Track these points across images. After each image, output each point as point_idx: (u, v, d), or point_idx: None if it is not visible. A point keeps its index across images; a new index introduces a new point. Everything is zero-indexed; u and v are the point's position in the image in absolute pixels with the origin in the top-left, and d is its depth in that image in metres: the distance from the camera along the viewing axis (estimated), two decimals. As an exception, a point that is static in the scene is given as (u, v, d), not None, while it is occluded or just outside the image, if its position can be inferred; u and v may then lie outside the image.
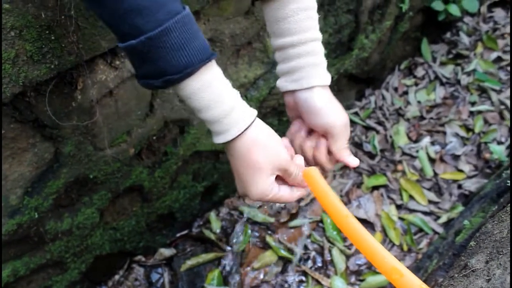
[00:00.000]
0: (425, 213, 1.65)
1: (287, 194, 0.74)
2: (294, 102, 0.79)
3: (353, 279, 1.49)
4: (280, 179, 0.74)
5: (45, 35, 0.78)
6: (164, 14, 0.58)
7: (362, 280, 1.48)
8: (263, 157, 0.69)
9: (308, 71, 0.76)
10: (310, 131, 0.83)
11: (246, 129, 0.68)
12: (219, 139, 0.69)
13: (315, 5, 0.76)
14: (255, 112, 0.71)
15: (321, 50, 0.77)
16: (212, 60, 0.64)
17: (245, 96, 1.38)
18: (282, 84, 0.79)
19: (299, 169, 0.74)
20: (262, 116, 1.52)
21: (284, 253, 1.53)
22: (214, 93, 0.65)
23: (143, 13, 0.58)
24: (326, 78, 0.77)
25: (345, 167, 1.80)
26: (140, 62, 0.63)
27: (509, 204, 0.79)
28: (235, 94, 0.69)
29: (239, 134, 0.68)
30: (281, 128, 1.61)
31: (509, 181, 1.11)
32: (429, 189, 1.72)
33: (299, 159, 0.76)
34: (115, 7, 0.58)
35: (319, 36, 0.77)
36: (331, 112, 0.77)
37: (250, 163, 0.69)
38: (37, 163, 0.98)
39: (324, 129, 0.78)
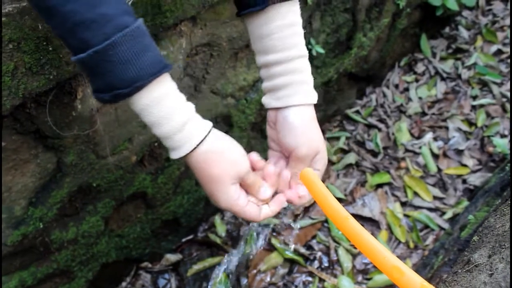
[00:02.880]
0: (430, 209, 1.65)
1: (254, 210, 0.73)
2: (275, 120, 0.78)
3: (360, 278, 1.49)
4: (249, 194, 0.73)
5: (42, 46, 0.79)
6: (112, 28, 0.58)
7: (369, 279, 1.48)
8: (220, 168, 0.68)
9: (293, 89, 0.74)
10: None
11: (199, 144, 0.67)
12: (173, 155, 0.69)
13: (300, 21, 0.74)
14: (209, 125, 0.70)
15: (307, 67, 0.75)
16: (163, 74, 0.63)
17: (245, 99, 1.38)
18: (267, 101, 0.78)
19: (259, 180, 0.73)
20: (263, 118, 1.52)
21: (290, 254, 1.52)
22: (164, 110, 0.64)
23: (91, 27, 0.58)
24: (311, 96, 0.75)
25: (349, 165, 1.80)
26: (91, 76, 0.63)
27: (511, 198, 0.79)
28: (188, 109, 0.68)
29: (193, 150, 0.67)
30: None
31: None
32: (433, 185, 1.72)
33: (269, 168, 0.75)
34: (64, 20, 0.58)
35: (305, 53, 0.75)
36: (301, 133, 0.74)
37: (208, 176, 0.69)
38: (40, 173, 0.98)
39: (289, 149, 0.76)
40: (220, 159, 0.68)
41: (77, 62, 0.61)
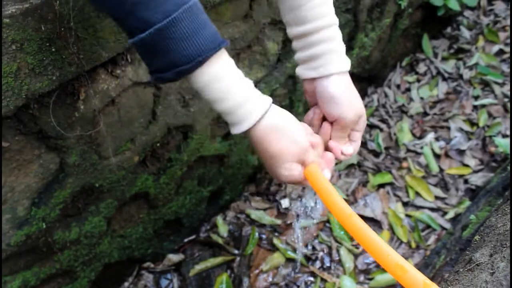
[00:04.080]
0: (432, 209, 1.65)
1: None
2: (313, 89, 0.79)
3: (362, 278, 1.49)
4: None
5: (45, 47, 0.79)
6: (171, 5, 0.59)
7: (371, 279, 1.48)
8: (280, 146, 0.69)
9: (326, 58, 0.75)
10: (324, 118, 0.82)
11: (261, 118, 0.68)
12: (235, 129, 0.70)
13: None
14: (269, 99, 0.71)
15: (338, 35, 0.77)
16: (222, 49, 0.64)
17: (247, 100, 1.38)
18: (302, 72, 0.79)
19: (318, 161, 0.74)
20: (265, 118, 1.52)
21: (292, 254, 1.53)
22: (226, 84, 0.65)
23: (150, 6, 0.58)
24: (345, 64, 0.76)
25: (351, 166, 1.80)
26: (151, 56, 0.63)
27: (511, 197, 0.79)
28: (249, 83, 0.69)
29: (255, 124, 0.68)
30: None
31: (514, 174, 1.11)
32: (435, 185, 1.72)
33: (330, 156, 0.77)
34: (122, 2, 0.58)
35: (336, 21, 0.76)
36: (344, 102, 0.76)
37: (269, 152, 0.70)
38: (43, 174, 0.99)
39: (333, 117, 0.77)
40: (281, 136, 0.69)
41: (136, 42, 0.61)
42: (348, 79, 0.78)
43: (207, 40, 0.61)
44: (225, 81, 0.65)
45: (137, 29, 0.60)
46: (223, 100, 0.66)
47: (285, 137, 0.70)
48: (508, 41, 2.14)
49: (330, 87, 0.76)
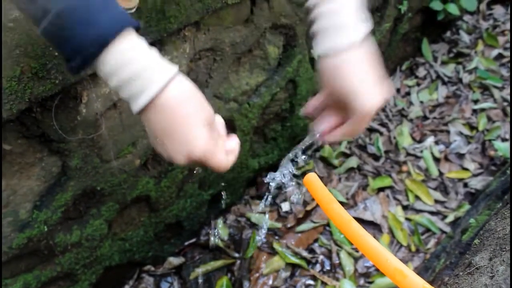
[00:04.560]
0: (431, 213, 1.65)
1: (224, 157, 0.66)
2: (324, 69, 0.71)
3: (362, 281, 1.49)
4: None
5: (49, 51, 0.80)
6: None
7: (371, 282, 1.48)
8: (191, 109, 0.62)
9: (332, 32, 0.67)
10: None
11: (164, 87, 0.61)
12: (135, 105, 0.62)
13: None
14: (174, 68, 0.63)
15: (350, 6, 0.68)
16: (127, 30, 0.60)
17: (247, 103, 1.39)
18: (314, 50, 0.74)
19: (220, 129, 0.68)
20: (266, 122, 1.53)
21: (292, 258, 1.53)
22: (128, 56, 0.60)
23: None
24: (356, 36, 0.67)
25: (351, 169, 1.80)
26: (57, 46, 0.61)
27: (511, 201, 0.80)
28: (151, 54, 0.62)
29: (160, 92, 0.61)
30: (285, 134, 1.62)
31: (513, 178, 1.11)
32: (435, 189, 1.72)
33: (218, 118, 0.69)
34: None
35: None
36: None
37: (182, 117, 0.62)
38: (45, 177, 0.99)
39: (344, 106, 0.69)
40: (191, 100, 0.63)
41: (42, 33, 0.59)
42: (363, 57, 0.67)
43: (107, 24, 0.58)
44: (126, 54, 0.60)
45: (41, 19, 0.58)
46: (119, 70, 0.60)
47: (192, 103, 0.63)
48: (508, 45, 2.15)
49: (341, 69, 0.66)
